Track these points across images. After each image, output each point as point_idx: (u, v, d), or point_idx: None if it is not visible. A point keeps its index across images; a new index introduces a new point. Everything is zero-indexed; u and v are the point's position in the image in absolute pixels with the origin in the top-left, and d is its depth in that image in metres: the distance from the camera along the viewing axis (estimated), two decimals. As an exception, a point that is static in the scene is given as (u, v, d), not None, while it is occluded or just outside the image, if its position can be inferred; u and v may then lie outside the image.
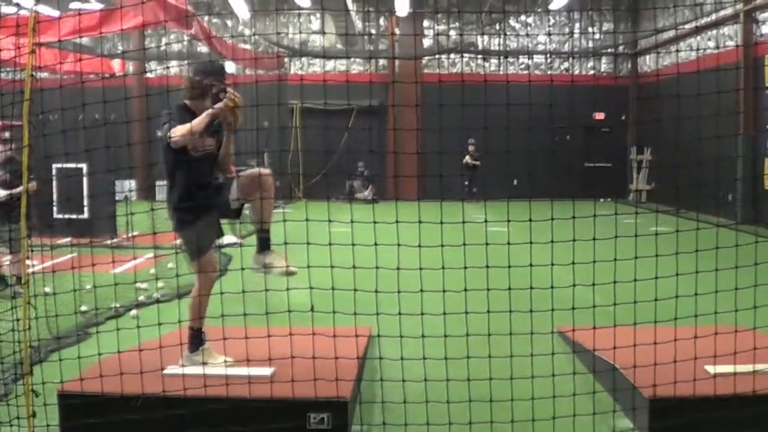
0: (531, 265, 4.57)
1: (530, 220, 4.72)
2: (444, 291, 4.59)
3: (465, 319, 4.40)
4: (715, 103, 5.46)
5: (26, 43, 4.26)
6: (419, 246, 4.67)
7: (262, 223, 5.07)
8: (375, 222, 4.85)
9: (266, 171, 5.14)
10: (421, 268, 4.65)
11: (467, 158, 22.02)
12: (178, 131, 4.69)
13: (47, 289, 6.05)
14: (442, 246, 4.83)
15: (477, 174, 22.13)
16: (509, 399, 4.48)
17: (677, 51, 19.50)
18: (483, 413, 4.46)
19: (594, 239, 4.59)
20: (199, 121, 4.72)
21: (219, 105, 4.72)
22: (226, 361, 4.98)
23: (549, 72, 24.54)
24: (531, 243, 4.79)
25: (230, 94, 4.71)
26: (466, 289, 4.44)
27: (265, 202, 4.99)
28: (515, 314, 4.72)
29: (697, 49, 19.07)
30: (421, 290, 4.67)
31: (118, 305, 7.48)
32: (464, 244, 4.61)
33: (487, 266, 4.55)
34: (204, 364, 4.88)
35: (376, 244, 4.62)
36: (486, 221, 4.98)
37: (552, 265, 4.66)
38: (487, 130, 4.74)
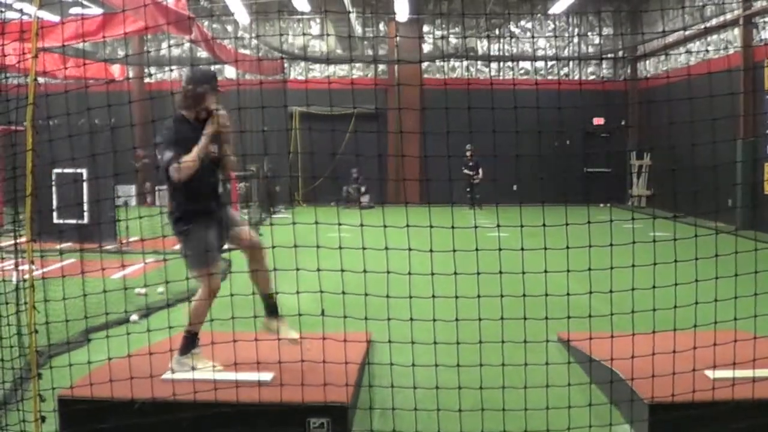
0: (546, 271, 4.50)
1: (537, 225, 4.71)
2: (456, 297, 4.51)
3: (479, 326, 4.40)
4: (715, 108, 5.46)
5: (29, 48, 4.26)
6: (431, 251, 4.64)
7: (264, 294, 5.16)
8: (386, 226, 4.80)
9: (256, 240, 5.16)
10: (426, 273, 4.63)
11: (466, 170, 21.93)
12: (185, 169, 4.75)
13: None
14: (454, 251, 4.79)
15: (478, 183, 22.09)
16: (522, 408, 4.35)
17: (684, 52, 19.51)
18: (496, 423, 4.42)
19: (611, 245, 4.56)
20: (202, 146, 4.84)
21: (213, 125, 4.88)
22: (214, 367, 4.89)
23: (549, 77, 24.56)
24: (545, 250, 4.72)
25: (219, 117, 4.89)
26: (479, 296, 4.41)
27: (260, 274, 5.09)
28: (518, 320, 4.65)
29: (704, 49, 19.10)
30: (433, 296, 4.65)
31: (117, 311, 7.46)
32: (477, 249, 4.55)
33: (498, 271, 4.53)
34: (193, 368, 4.84)
35: (387, 248, 4.60)
36: (496, 226, 4.96)
37: (568, 271, 4.59)
38: (486, 135, 4.73)
